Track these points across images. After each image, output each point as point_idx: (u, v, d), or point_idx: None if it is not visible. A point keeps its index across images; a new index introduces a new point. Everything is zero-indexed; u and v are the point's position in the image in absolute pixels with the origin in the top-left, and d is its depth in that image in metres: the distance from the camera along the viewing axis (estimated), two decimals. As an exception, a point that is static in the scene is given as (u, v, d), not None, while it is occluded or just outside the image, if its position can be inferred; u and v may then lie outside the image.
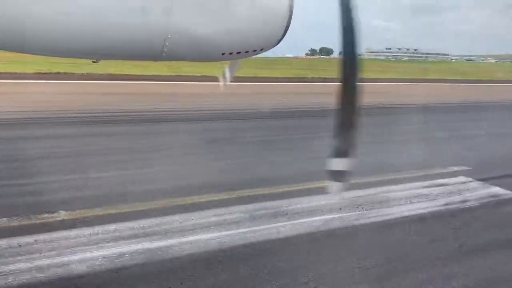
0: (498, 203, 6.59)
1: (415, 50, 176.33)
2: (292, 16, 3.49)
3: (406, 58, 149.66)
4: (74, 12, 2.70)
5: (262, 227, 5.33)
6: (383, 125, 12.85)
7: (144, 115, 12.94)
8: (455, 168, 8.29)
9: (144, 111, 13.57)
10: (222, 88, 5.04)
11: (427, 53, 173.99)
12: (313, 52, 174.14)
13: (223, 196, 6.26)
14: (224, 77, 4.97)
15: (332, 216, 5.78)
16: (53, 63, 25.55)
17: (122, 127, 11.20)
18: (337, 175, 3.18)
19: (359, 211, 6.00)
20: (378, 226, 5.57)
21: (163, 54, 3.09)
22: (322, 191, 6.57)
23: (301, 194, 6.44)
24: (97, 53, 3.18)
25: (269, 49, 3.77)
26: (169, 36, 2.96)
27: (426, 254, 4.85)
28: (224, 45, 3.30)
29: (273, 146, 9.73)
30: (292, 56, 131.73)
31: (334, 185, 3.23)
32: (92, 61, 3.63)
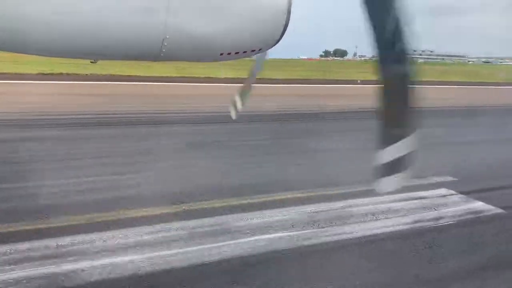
0: (476, 221, 5.85)
1: (431, 52, 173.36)
2: (290, 16, 3.45)
3: (421, 60, 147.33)
4: (72, 12, 2.70)
5: (196, 248, 4.72)
6: (370, 130, 12.15)
7: (135, 117, 12.56)
8: (439, 179, 7.55)
9: (136, 113, 13.19)
10: (234, 117, 4.50)
11: (444, 55, 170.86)
12: (326, 53, 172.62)
13: (167, 209, 5.68)
14: (235, 106, 4.44)
15: (281, 234, 5.13)
16: (58, 64, 25.42)
17: (101, 130, 10.73)
18: (389, 168, 3.05)
19: (314, 228, 5.34)
20: (329, 247, 4.90)
21: (162, 55, 3.09)
22: (277, 204, 5.97)
23: (253, 208, 5.81)
24: (95, 54, 3.18)
25: (267, 49, 3.75)
26: (168, 36, 2.96)
27: (373, 286, 4.18)
28: (222, 45, 3.29)
29: (246, 152, 9.07)
30: (306, 57, 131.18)
31: (385, 182, 3.11)
32: (91, 61, 3.61)
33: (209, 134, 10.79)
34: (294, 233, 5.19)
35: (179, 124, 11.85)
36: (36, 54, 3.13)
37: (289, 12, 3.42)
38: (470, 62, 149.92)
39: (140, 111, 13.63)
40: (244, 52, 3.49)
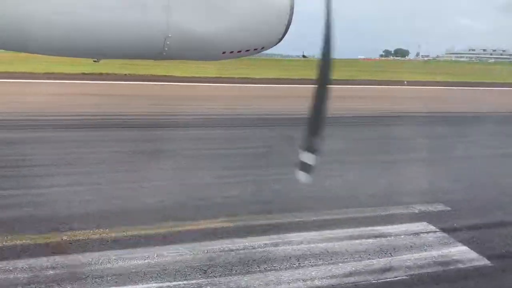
0: (441, 276, 4.13)
1: (503, 51, 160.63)
2: (293, 15, 3.41)
3: (492, 60, 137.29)
4: (73, 12, 2.72)
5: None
6: (370, 139, 10.45)
7: (137, 119, 11.89)
8: (423, 208, 5.84)
9: (138, 115, 12.51)
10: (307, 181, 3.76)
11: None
12: (387, 53, 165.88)
13: (32, 239, 4.52)
14: (304, 166, 3.75)
15: (147, 286, 3.81)
16: (99, 64, 25.49)
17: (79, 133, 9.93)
18: None
19: (200, 278, 3.95)
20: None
21: (164, 53, 3.09)
22: (183, 237, 4.66)
23: (145, 244, 4.52)
24: (97, 52, 3.19)
25: (270, 47, 3.72)
26: (170, 35, 2.97)
27: None
28: (224, 44, 3.29)
29: (196, 165, 7.64)
30: (364, 57, 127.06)
31: None
32: (93, 61, 3.61)
33: (177, 141, 9.37)
34: (168, 284, 3.84)
35: (174, 128, 10.85)
36: (37, 53, 3.13)
37: (292, 10, 3.38)
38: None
39: (147, 113, 12.89)
40: (247, 50, 3.49)
